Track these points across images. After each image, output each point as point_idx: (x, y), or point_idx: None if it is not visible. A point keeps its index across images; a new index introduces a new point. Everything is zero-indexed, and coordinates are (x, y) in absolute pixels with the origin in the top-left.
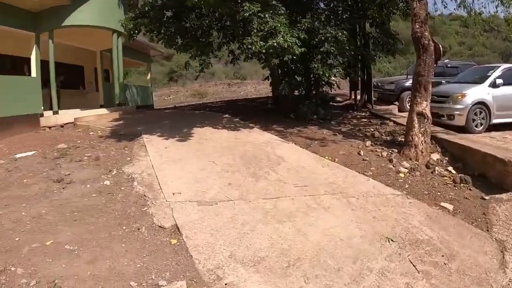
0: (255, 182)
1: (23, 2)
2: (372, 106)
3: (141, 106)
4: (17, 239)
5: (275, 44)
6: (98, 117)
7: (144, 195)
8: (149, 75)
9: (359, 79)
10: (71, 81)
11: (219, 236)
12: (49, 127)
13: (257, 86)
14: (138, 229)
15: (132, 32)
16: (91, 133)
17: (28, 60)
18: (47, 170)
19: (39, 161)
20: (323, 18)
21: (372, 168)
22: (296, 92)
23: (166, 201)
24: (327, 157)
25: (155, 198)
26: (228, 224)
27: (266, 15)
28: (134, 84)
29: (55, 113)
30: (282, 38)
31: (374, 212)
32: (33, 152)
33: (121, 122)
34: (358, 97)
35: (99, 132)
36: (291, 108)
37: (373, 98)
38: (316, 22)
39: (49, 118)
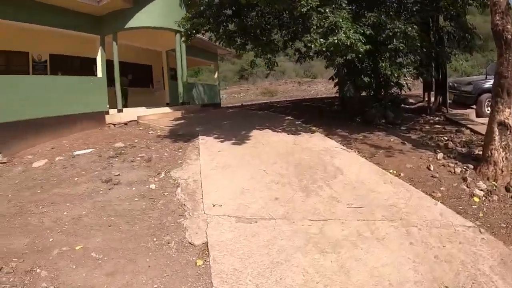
0: (305, 198)
1: (87, 8)
2: (447, 110)
3: (208, 104)
4: (51, 239)
5: (336, 41)
6: (161, 115)
7: (184, 204)
8: (216, 73)
9: (433, 79)
10: (139, 79)
11: (249, 263)
12: (114, 125)
13: (327, 85)
14: (168, 243)
15: (189, 33)
16: (150, 132)
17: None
18: (99, 169)
19: (94, 159)
20: (391, 12)
21: (442, 188)
22: (364, 93)
23: (204, 213)
24: (391, 171)
25: (193, 209)
26: (263, 249)
27: (326, 10)
28: (201, 83)
29: (119, 111)
30: (344, 35)
31: (437, 250)
32: (91, 149)
33: (182, 121)
34: (432, 99)
35: (158, 131)
36: (357, 111)
37: (448, 101)
38: (382, 16)
39: (113, 115)
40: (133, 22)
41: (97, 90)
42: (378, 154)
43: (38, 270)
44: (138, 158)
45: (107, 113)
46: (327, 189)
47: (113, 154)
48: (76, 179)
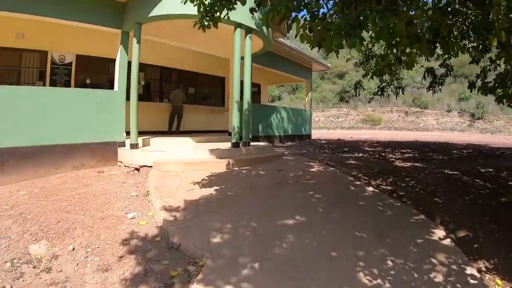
0: None
1: None
2: None
3: (293, 136)
4: None
5: None
6: (189, 166)
7: None
8: (308, 95)
9: None
10: (207, 95)
11: None
12: (125, 166)
13: (440, 118)
14: None
15: (208, 9)
16: (132, 214)
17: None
18: None
19: None
20: None
21: None
22: None
23: None
24: None
25: None
26: None
27: None
28: (284, 107)
29: (133, 147)
30: None
31: None
32: None
33: (211, 191)
34: None
35: (148, 213)
36: None
37: None
38: None
39: (125, 153)
40: (160, 9)
41: (108, 110)
42: None
43: None
44: None
45: (123, 144)
46: None
47: None
48: None
